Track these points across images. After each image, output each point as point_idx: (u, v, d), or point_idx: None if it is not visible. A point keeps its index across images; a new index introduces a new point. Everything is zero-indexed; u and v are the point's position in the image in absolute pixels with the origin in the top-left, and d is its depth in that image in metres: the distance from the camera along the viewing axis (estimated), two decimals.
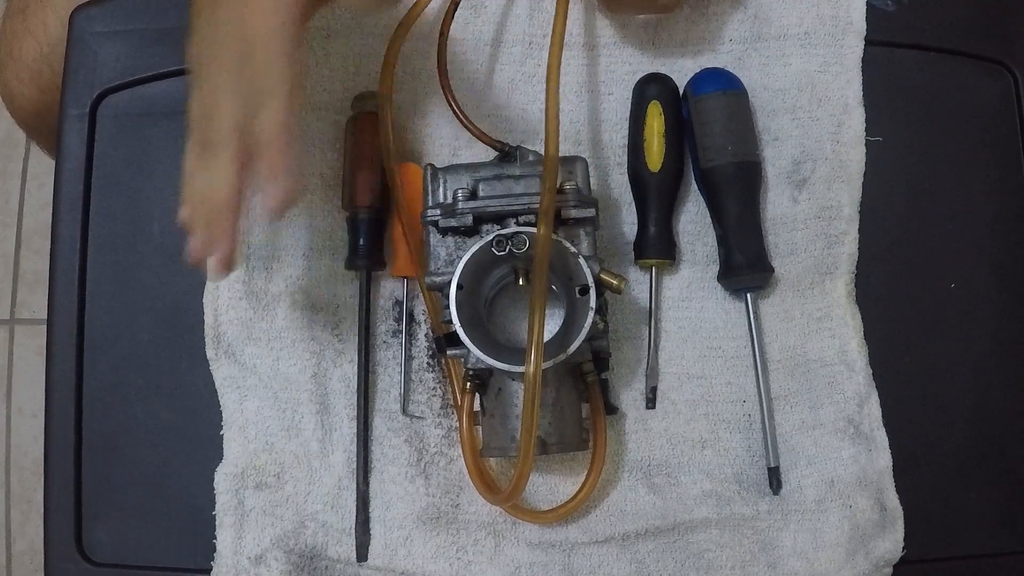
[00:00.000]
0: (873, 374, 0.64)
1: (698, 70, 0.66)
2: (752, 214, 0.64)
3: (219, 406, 0.64)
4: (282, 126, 0.51)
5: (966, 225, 0.67)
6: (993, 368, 0.65)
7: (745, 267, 0.63)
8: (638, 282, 0.66)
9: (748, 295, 0.64)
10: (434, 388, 0.64)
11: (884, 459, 0.63)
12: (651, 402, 0.64)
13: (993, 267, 0.66)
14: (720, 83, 0.65)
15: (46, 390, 0.65)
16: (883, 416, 0.64)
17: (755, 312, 0.64)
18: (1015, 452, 0.64)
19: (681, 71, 0.67)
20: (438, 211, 0.60)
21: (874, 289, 0.66)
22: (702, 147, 0.64)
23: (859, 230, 0.66)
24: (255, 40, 0.52)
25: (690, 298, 0.66)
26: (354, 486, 0.63)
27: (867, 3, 0.67)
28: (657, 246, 0.64)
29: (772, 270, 0.64)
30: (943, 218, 0.67)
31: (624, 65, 0.68)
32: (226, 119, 0.52)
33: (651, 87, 0.65)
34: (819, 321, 0.65)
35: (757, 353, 0.64)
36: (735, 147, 0.63)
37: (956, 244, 0.67)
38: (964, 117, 0.68)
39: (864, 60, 0.67)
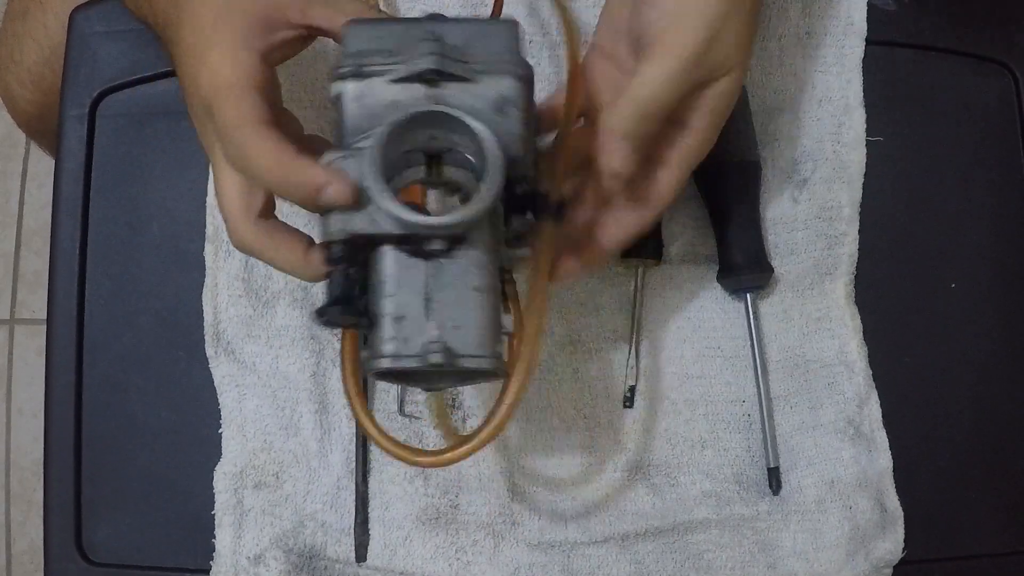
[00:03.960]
0: (873, 375, 0.64)
1: None
2: (752, 214, 0.64)
3: (219, 405, 0.64)
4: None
5: (966, 225, 0.67)
6: (994, 369, 0.65)
7: (745, 267, 0.63)
8: (625, 285, 0.66)
9: (748, 295, 0.64)
10: None
11: (884, 460, 0.63)
12: (628, 401, 0.64)
13: (994, 268, 0.66)
14: None
15: (46, 390, 0.65)
16: (883, 417, 0.64)
17: (755, 312, 0.64)
18: (1016, 453, 0.64)
19: None
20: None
21: (874, 290, 0.66)
22: None
23: (859, 230, 0.66)
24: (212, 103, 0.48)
25: (690, 298, 0.66)
26: (353, 486, 0.63)
27: (867, 3, 0.67)
28: (643, 245, 0.64)
29: (772, 270, 0.64)
30: (943, 218, 0.67)
31: None
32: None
33: None
34: (818, 322, 0.65)
35: (756, 353, 0.64)
36: (734, 147, 0.63)
37: (956, 244, 0.67)
38: (964, 117, 0.68)
39: (864, 60, 0.67)
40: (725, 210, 0.64)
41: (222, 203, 0.51)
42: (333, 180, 0.46)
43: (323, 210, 0.47)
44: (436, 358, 0.45)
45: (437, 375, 0.48)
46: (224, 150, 0.49)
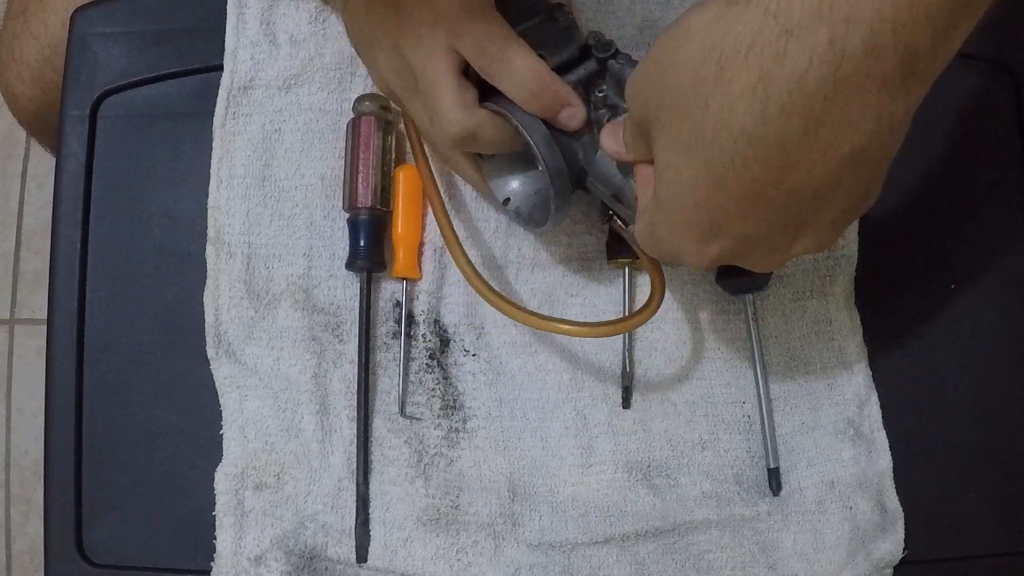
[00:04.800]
0: (873, 375, 0.64)
1: None
2: None
3: (219, 406, 0.64)
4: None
5: (966, 227, 0.67)
6: (993, 369, 0.65)
7: (743, 269, 0.63)
8: (615, 284, 0.66)
9: (747, 296, 0.64)
10: (433, 389, 0.65)
11: (884, 460, 0.63)
12: (626, 402, 0.64)
13: (993, 268, 0.66)
14: None
15: (46, 390, 0.65)
16: (883, 417, 0.64)
17: (754, 314, 0.64)
18: (1016, 453, 0.64)
19: None
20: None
21: (873, 291, 0.66)
22: None
23: (859, 232, 0.66)
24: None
25: (690, 299, 0.66)
26: (353, 487, 0.63)
27: None
28: (629, 246, 0.63)
29: (771, 271, 0.64)
30: (943, 220, 0.67)
31: None
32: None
33: None
34: (818, 323, 0.65)
35: (757, 355, 0.64)
36: None
37: (956, 246, 0.67)
38: (964, 118, 0.68)
39: None
40: None
41: (440, 99, 0.56)
42: (577, 104, 0.56)
43: (553, 119, 0.57)
44: None
45: None
46: (482, 55, 0.55)
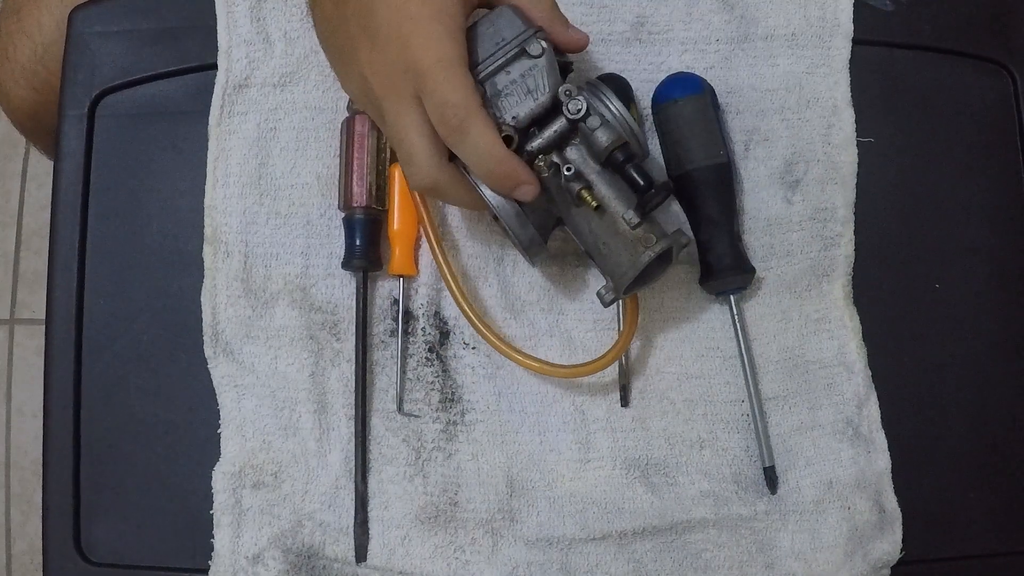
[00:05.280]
0: (872, 376, 0.64)
1: (684, 69, 0.66)
2: (726, 216, 0.64)
3: (217, 405, 0.64)
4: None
5: (965, 226, 0.67)
6: (992, 369, 0.65)
7: (725, 270, 0.63)
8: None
9: (731, 297, 0.64)
10: (432, 383, 0.65)
11: (883, 461, 0.63)
12: (624, 400, 0.64)
13: (992, 268, 0.66)
14: (677, 90, 0.64)
15: (44, 390, 0.66)
16: (882, 418, 0.64)
17: (739, 314, 0.64)
18: (1014, 453, 0.64)
19: (669, 70, 0.66)
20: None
21: (872, 291, 0.66)
22: (670, 155, 0.64)
23: (857, 232, 0.66)
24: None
25: (688, 298, 0.66)
26: (351, 485, 0.63)
27: (865, 3, 0.67)
28: None
29: (753, 271, 0.64)
30: (942, 219, 0.67)
31: (611, 64, 0.67)
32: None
33: None
34: (817, 323, 0.65)
35: (744, 353, 0.63)
36: (701, 151, 0.63)
37: (955, 245, 0.67)
38: (963, 117, 0.68)
39: (862, 60, 0.67)
40: (699, 214, 0.63)
41: (411, 148, 0.55)
42: (532, 182, 0.56)
43: (508, 195, 0.57)
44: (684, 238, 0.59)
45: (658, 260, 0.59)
46: (442, 121, 0.54)
